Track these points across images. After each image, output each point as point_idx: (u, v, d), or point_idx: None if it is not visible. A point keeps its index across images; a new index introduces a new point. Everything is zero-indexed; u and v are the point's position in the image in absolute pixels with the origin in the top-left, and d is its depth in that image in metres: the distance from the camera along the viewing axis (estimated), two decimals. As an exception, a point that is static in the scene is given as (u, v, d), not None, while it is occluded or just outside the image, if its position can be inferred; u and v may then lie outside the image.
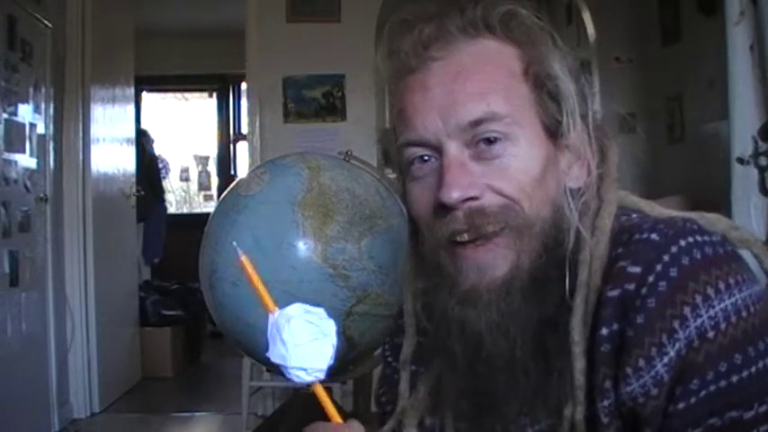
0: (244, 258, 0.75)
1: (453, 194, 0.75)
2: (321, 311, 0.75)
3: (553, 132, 0.79)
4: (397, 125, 0.82)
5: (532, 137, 0.78)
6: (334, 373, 2.34)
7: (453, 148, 0.77)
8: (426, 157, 0.79)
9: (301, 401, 2.16)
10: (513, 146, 0.77)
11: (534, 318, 0.76)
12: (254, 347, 1.89)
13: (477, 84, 0.77)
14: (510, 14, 0.79)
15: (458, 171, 0.76)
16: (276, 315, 0.74)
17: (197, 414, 4.09)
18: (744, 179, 2.22)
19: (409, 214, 0.86)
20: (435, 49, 0.78)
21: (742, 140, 2.22)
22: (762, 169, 2.20)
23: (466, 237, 0.77)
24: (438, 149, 0.78)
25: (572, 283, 0.77)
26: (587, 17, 4.36)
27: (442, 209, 0.77)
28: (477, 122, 0.76)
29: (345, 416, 0.77)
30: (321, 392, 0.74)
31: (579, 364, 0.75)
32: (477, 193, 0.76)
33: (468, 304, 0.77)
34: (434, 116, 0.77)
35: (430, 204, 0.79)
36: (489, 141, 0.76)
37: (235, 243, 0.75)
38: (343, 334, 1.81)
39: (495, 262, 0.77)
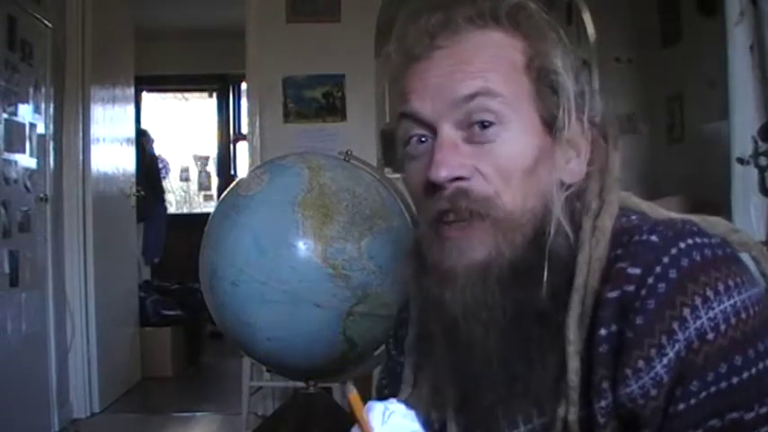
0: (352, 396, 0.72)
1: (442, 173, 0.76)
2: None
3: (551, 126, 0.79)
4: (399, 107, 0.83)
5: (527, 126, 0.78)
6: (335, 373, 2.31)
7: (447, 129, 0.78)
8: (424, 138, 0.80)
9: (301, 401, 2.16)
10: (505, 131, 0.77)
11: (513, 309, 0.76)
12: (254, 347, 1.89)
13: (477, 65, 0.78)
14: (518, 7, 0.81)
15: (448, 150, 0.77)
16: None
17: (197, 414, 4.09)
18: (744, 179, 2.22)
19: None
20: (441, 38, 0.80)
21: (742, 140, 2.22)
22: (762, 169, 2.20)
23: (451, 216, 0.78)
24: (433, 130, 0.79)
25: (557, 280, 0.77)
26: (587, 17, 4.36)
27: (432, 187, 0.78)
28: (471, 96, 0.77)
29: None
30: None
31: (573, 363, 0.75)
32: (466, 173, 0.77)
33: (445, 285, 0.77)
34: (432, 95, 0.79)
35: (421, 183, 0.80)
36: (483, 126, 0.77)
37: (351, 385, 0.71)
38: (342, 334, 1.81)
39: (473, 245, 0.77)
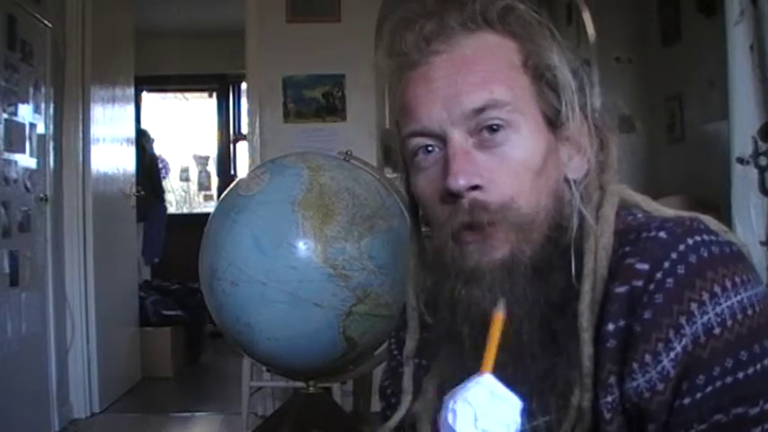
0: (498, 315, 0.71)
1: (460, 181, 0.76)
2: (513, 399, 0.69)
3: (553, 123, 0.80)
4: (401, 119, 0.83)
5: (534, 126, 0.79)
6: (335, 373, 2.32)
7: (457, 137, 0.78)
8: (430, 148, 0.80)
9: (301, 401, 2.16)
10: (515, 133, 0.78)
11: (540, 303, 0.77)
12: (254, 347, 1.89)
13: (480, 73, 0.78)
14: (508, 9, 0.81)
15: (463, 158, 0.77)
16: (484, 379, 0.69)
17: (197, 414, 4.09)
18: (744, 179, 2.22)
19: (414, 206, 0.87)
20: (437, 43, 0.80)
21: (742, 140, 2.22)
22: (762, 169, 2.20)
23: (471, 228, 0.78)
24: (442, 139, 0.79)
25: (577, 271, 0.78)
26: (587, 17, 4.35)
27: (450, 196, 0.78)
28: (480, 110, 0.77)
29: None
30: None
31: (587, 350, 0.76)
32: (483, 182, 0.77)
33: (473, 284, 0.78)
34: (439, 106, 0.78)
35: (436, 194, 0.80)
36: (492, 129, 0.78)
37: (501, 303, 0.69)
38: (342, 334, 1.81)
39: (493, 245, 0.78)
